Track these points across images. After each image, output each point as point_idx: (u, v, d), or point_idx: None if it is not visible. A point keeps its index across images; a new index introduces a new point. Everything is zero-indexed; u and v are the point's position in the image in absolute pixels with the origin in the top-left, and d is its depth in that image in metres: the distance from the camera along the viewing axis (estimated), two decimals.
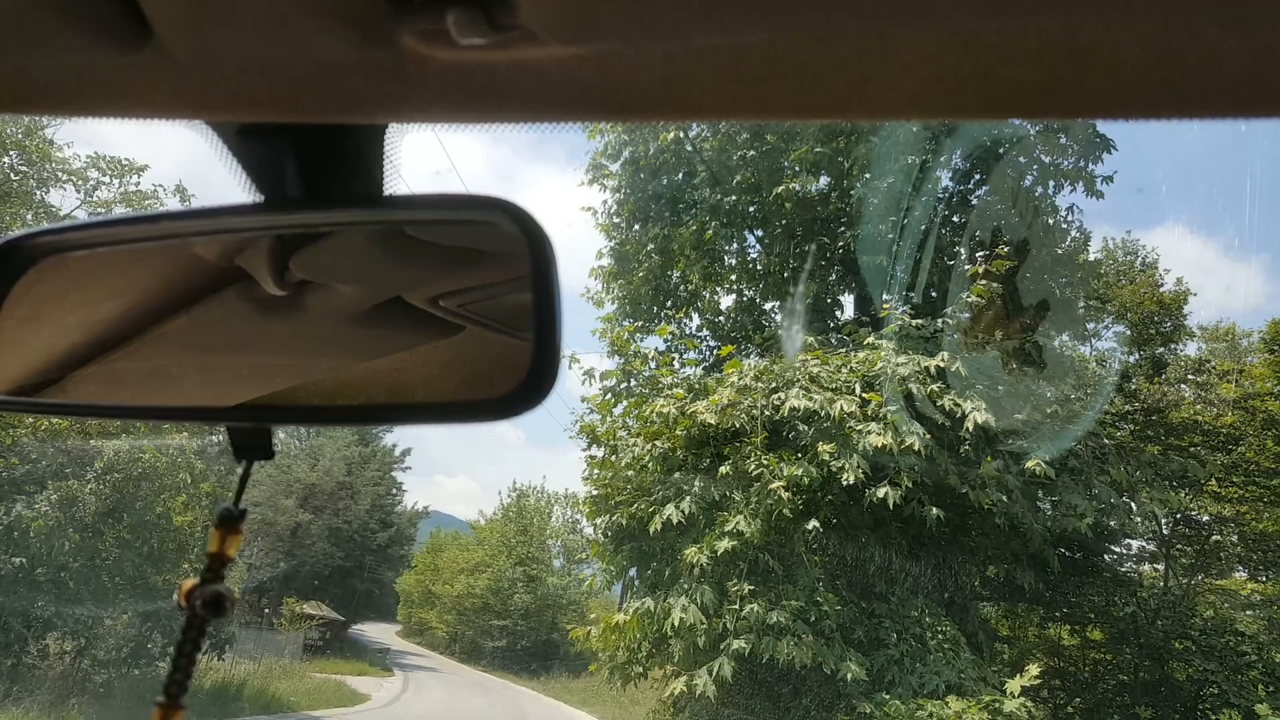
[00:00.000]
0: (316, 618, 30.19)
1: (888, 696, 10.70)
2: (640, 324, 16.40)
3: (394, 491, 38.73)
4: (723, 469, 11.11)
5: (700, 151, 16.11)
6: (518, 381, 0.78)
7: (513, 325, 0.88)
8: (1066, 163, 14.53)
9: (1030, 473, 10.52)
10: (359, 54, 0.52)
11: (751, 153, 14.85)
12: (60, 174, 15.69)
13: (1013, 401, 11.20)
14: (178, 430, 15.28)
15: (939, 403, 10.29)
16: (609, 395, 13.62)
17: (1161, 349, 15.63)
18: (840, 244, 14.80)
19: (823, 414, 10.39)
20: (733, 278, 16.81)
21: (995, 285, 11.33)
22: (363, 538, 34.93)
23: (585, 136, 17.14)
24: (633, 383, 13.51)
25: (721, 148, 15.48)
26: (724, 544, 10.50)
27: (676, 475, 11.60)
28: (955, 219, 14.54)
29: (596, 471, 12.90)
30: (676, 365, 14.55)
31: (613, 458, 12.63)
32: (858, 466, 10.15)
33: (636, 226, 16.88)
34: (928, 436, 9.99)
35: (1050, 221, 14.38)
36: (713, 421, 11.00)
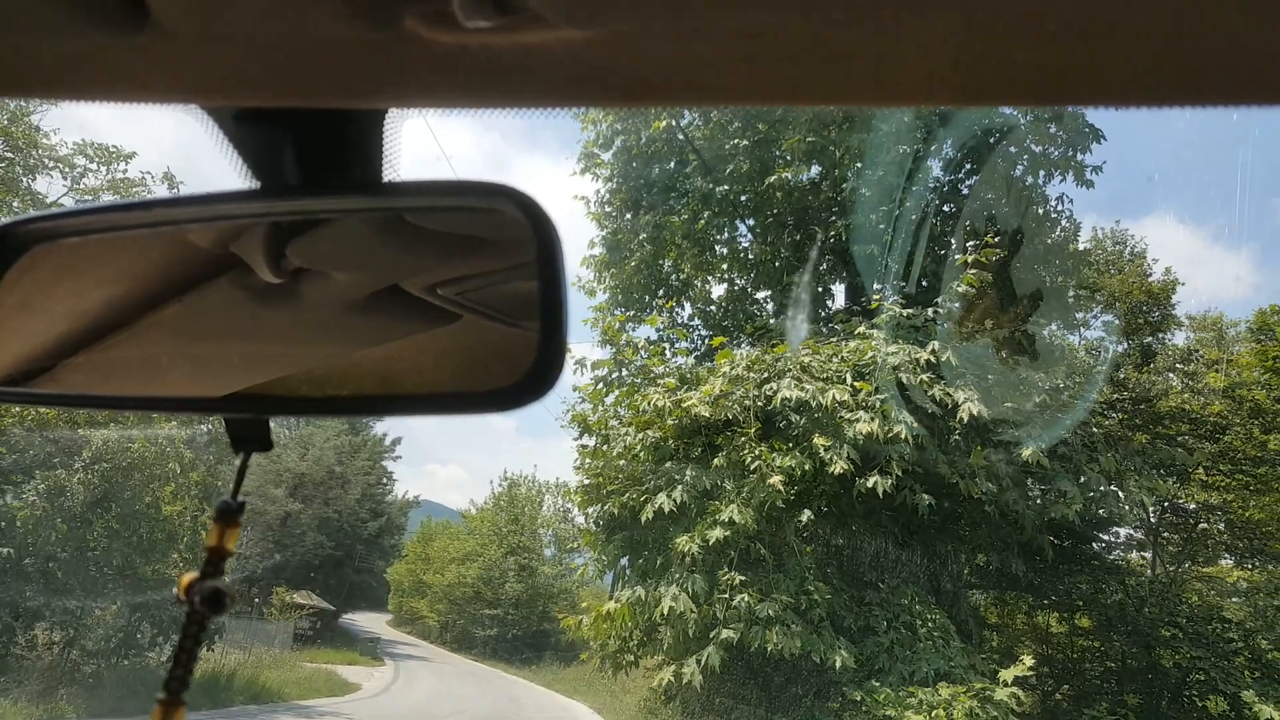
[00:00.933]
0: (307, 607, 30.17)
1: (877, 684, 10.77)
2: (632, 313, 16.39)
3: (384, 481, 38.69)
4: (715, 460, 11.13)
5: (692, 140, 16.07)
6: (521, 372, 0.77)
7: (513, 314, 0.87)
8: (1056, 152, 14.57)
9: (1022, 461, 10.58)
10: (362, 36, 0.51)
11: (744, 142, 14.82)
12: (47, 160, 15.56)
13: (1003, 391, 11.24)
14: (166, 419, 15.22)
15: (930, 392, 10.32)
16: (600, 385, 13.62)
17: (1150, 338, 15.72)
18: (832, 233, 14.81)
19: (814, 404, 10.41)
20: (724, 267, 16.81)
21: (986, 275, 11.36)
22: (353, 527, 34.88)
23: (578, 126, 17.11)
24: (624, 372, 13.51)
25: (713, 136, 15.44)
26: (715, 533, 10.52)
27: (668, 465, 11.61)
28: (947, 209, 14.57)
29: (588, 461, 12.91)
30: (668, 355, 14.55)
31: (604, 447, 12.64)
32: (847, 456, 10.18)
33: (628, 215, 16.85)
34: (917, 425, 10.02)
35: (1041, 211, 14.43)
36: (705, 412, 11.01)
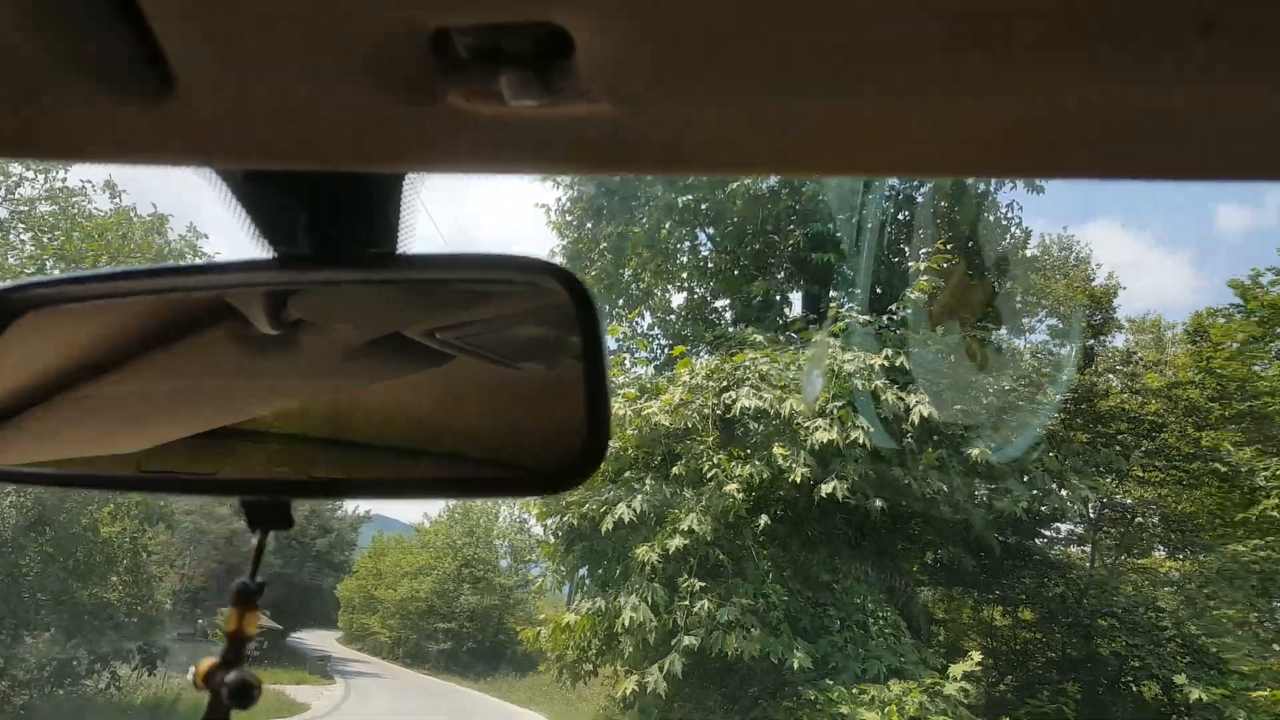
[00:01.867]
0: None
1: (831, 683, 10.94)
2: None
3: None
4: (675, 469, 11.21)
5: None
6: (561, 454, 0.76)
7: (546, 391, 0.86)
8: None
9: (972, 461, 10.88)
10: (396, 108, 0.50)
11: None
12: None
13: (954, 394, 11.54)
14: None
15: (884, 397, 10.55)
16: None
17: (1092, 341, 16.30)
18: (791, 241, 15.02)
19: (772, 412, 10.56)
20: (684, 275, 16.91)
21: (939, 281, 11.65)
22: (301, 544, 34.12)
23: None
24: None
25: None
26: (675, 541, 10.60)
27: (628, 474, 11.65)
28: (902, 216, 14.89)
29: None
30: (628, 365, 14.60)
31: None
32: (805, 463, 10.35)
33: (589, 225, 16.83)
34: (873, 430, 10.24)
35: (992, 218, 14.83)
36: (665, 421, 11.09)
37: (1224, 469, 12.41)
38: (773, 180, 14.95)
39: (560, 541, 12.81)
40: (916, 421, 10.37)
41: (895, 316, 11.95)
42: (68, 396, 0.89)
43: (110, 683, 16.02)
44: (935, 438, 11.22)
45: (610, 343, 15.83)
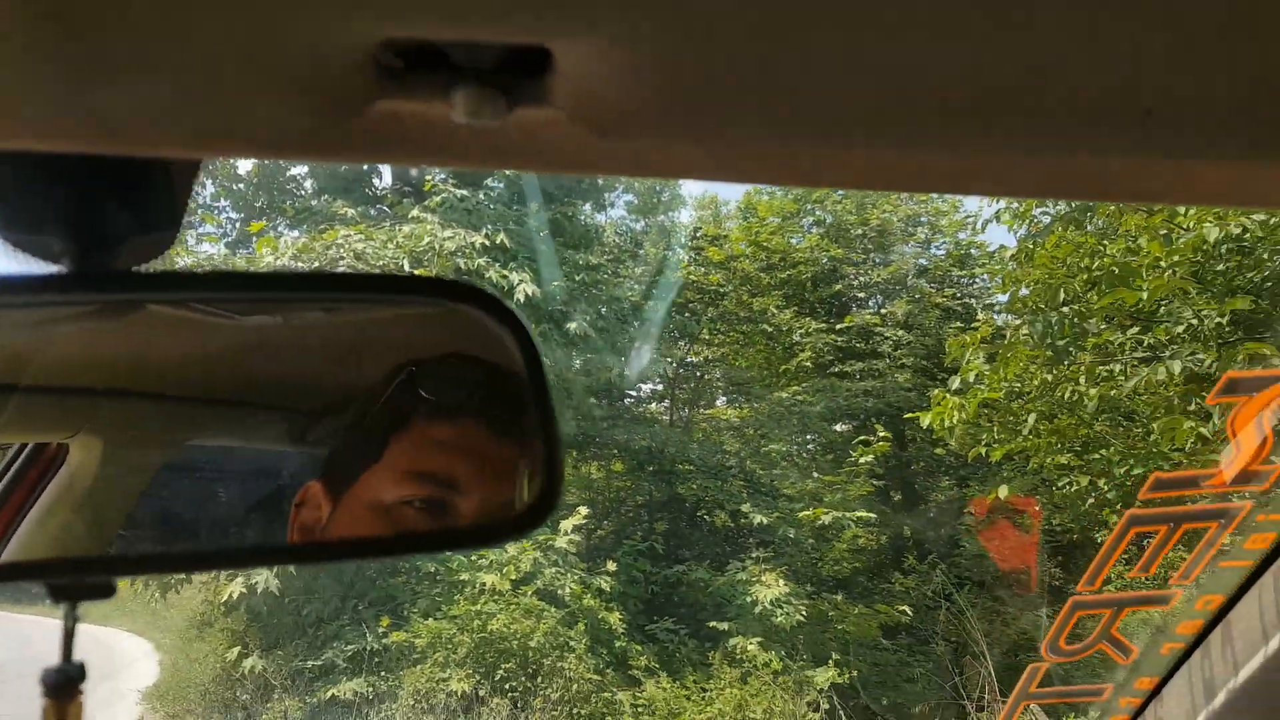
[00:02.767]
0: None
1: (449, 554, 11.25)
2: None
3: None
4: None
5: None
6: (520, 492, 0.75)
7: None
8: None
9: (571, 335, 11.52)
10: (321, 117, 0.43)
11: None
12: None
13: (550, 271, 12.00)
14: None
15: (488, 276, 10.64)
16: None
17: (662, 217, 17.84)
18: None
19: None
20: None
21: None
22: None
23: None
24: None
25: None
26: None
27: None
28: None
29: None
30: (192, 242, 12.96)
31: None
32: None
33: None
34: None
35: None
36: None
37: (770, 329, 14.59)
38: None
39: None
40: (522, 300, 10.65)
41: (491, 192, 11.98)
42: None
43: None
44: (539, 314, 11.66)
45: None
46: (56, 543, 0.90)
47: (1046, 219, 11.04)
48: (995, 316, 10.68)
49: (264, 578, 9.90)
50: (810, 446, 13.31)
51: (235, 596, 9.40)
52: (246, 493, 0.92)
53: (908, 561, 10.94)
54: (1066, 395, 8.41)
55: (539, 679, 8.77)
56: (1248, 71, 0.45)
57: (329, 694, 8.48)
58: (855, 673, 8.78)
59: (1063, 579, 10.91)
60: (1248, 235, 7.89)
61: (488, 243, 10.89)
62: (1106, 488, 8.37)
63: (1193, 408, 7.53)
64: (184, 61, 0.40)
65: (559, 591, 9.56)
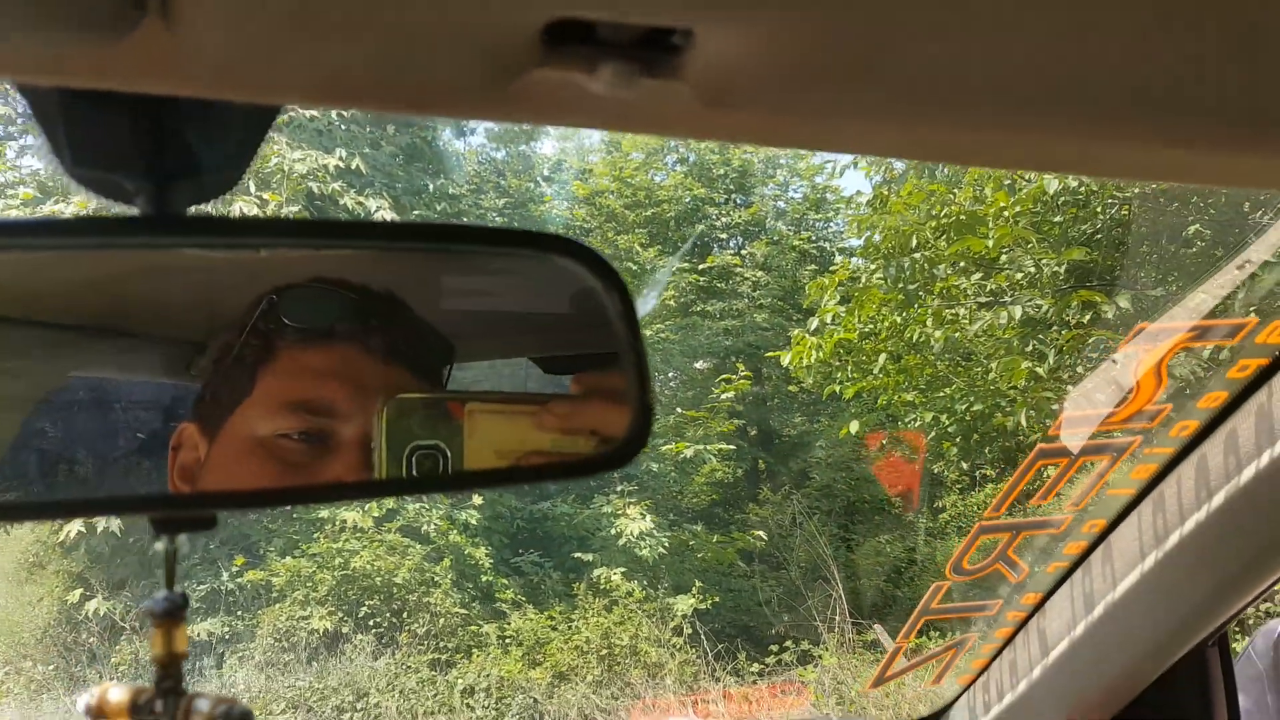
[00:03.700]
0: None
1: None
2: None
3: None
4: None
5: None
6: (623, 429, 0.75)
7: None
8: None
9: None
10: (485, 81, 0.46)
11: None
12: None
13: (411, 199, 11.53)
14: None
15: (343, 201, 10.10)
16: None
17: (524, 147, 17.40)
18: None
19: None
20: None
21: None
22: None
23: None
24: None
25: None
26: None
27: None
28: None
29: None
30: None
31: None
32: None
33: None
34: None
35: None
36: None
37: (634, 267, 14.65)
38: None
39: None
40: None
41: (345, 113, 11.31)
42: None
43: None
44: None
45: None
46: None
47: (900, 167, 11.53)
48: (851, 261, 11.13)
49: (105, 517, 9.22)
50: (673, 383, 13.58)
51: (73, 536, 8.74)
52: (131, 432, 0.87)
53: (763, 493, 11.44)
54: (915, 337, 8.92)
55: (404, 615, 8.68)
56: None
57: None
58: (716, 599, 9.18)
59: (901, 507, 11.74)
60: (1083, 189, 8.54)
61: (342, 165, 10.31)
62: (948, 423, 8.98)
63: (1030, 349, 8.16)
64: (373, 21, 0.42)
65: (423, 528, 9.43)
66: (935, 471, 10.69)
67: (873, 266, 9.88)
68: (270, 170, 10.08)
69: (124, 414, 0.85)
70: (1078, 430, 2.02)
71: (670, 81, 0.45)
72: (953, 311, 8.97)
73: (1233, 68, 0.48)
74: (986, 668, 1.89)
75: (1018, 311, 7.97)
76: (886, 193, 11.14)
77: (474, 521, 9.90)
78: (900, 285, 9.40)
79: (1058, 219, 8.80)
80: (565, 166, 15.76)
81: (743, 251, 14.44)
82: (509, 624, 8.87)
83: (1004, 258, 8.75)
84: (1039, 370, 7.86)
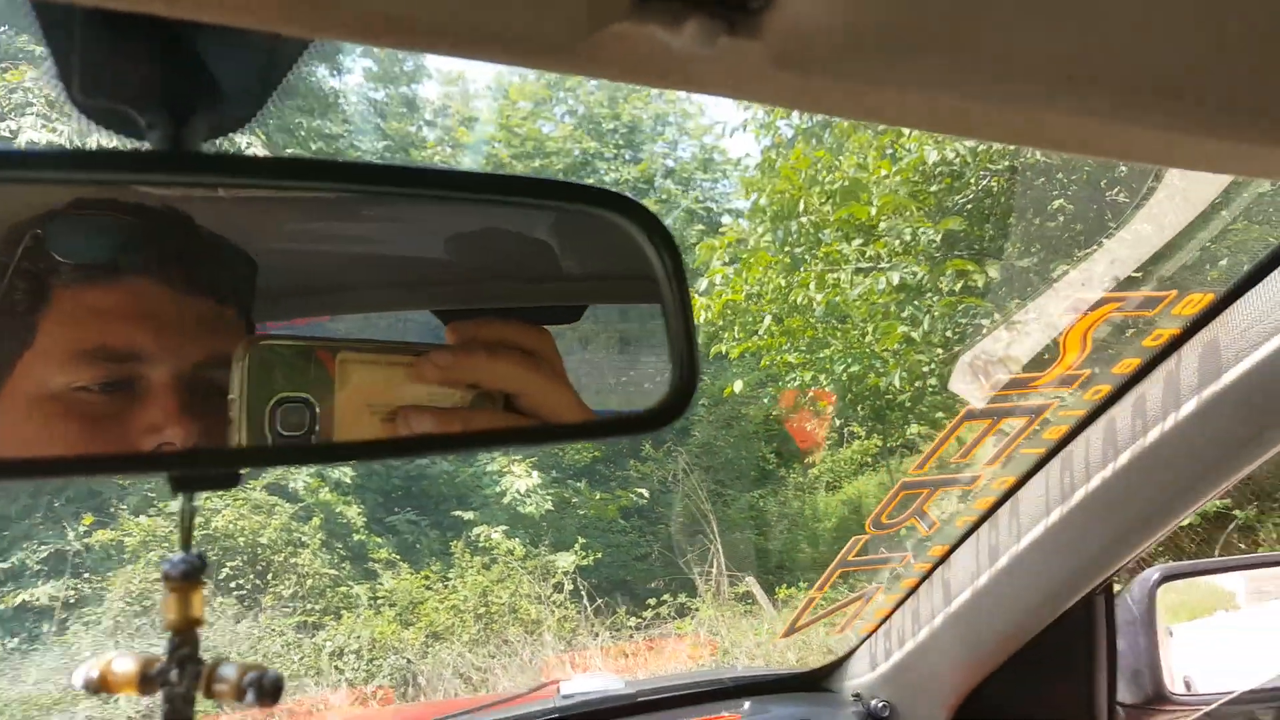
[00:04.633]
0: None
1: None
2: None
3: None
4: None
5: None
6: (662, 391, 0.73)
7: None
8: None
9: None
10: (567, 32, 0.43)
11: None
12: None
13: (283, 137, 10.87)
14: None
15: None
16: None
17: (405, 89, 16.67)
18: None
19: None
20: None
21: None
22: None
23: None
24: None
25: None
26: None
27: None
28: None
29: None
30: None
31: None
32: None
33: None
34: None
35: None
36: None
37: None
38: None
39: None
40: None
41: None
42: None
43: None
44: None
45: None
46: None
47: (790, 132, 11.64)
48: (741, 222, 11.23)
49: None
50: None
51: None
52: None
53: (645, 450, 11.53)
54: (798, 299, 9.09)
55: (269, 576, 8.34)
56: None
57: (18, 599, 7.57)
58: (599, 555, 9.22)
59: (776, 463, 12.08)
60: (958, 159, 8.83)
61: None
62: (826, 383, 9.23)
63: (905, 314, 8.43)
64: None
65: (291, 486, 9.05)
66: (808, 429, 11.02)
67: (760, 229, 9.97)
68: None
69: None
70: (1009, 392, 2.09)
71: (747, 40, 0.44)
72: (834, 276, 9.16)
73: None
74: (889, 616, 1.96)
75: (895, 277, 8.20)
76: (775, 157, 11.26)
77: (347, 479, 9.58)
78: (787, 248, 9.54)
79: (933, 188, 9.08)
80: (449, 112, 15.20)
81: None
82: (381, 584, 8.66)
83: (884, 225, 8.97)
84: (913, 335, 8.15)
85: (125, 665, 0.62)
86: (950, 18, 0.43)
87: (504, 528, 9.40)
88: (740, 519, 10.67)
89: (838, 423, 11.10)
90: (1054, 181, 9.30)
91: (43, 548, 8.00)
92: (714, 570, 9.02)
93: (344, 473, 9.59)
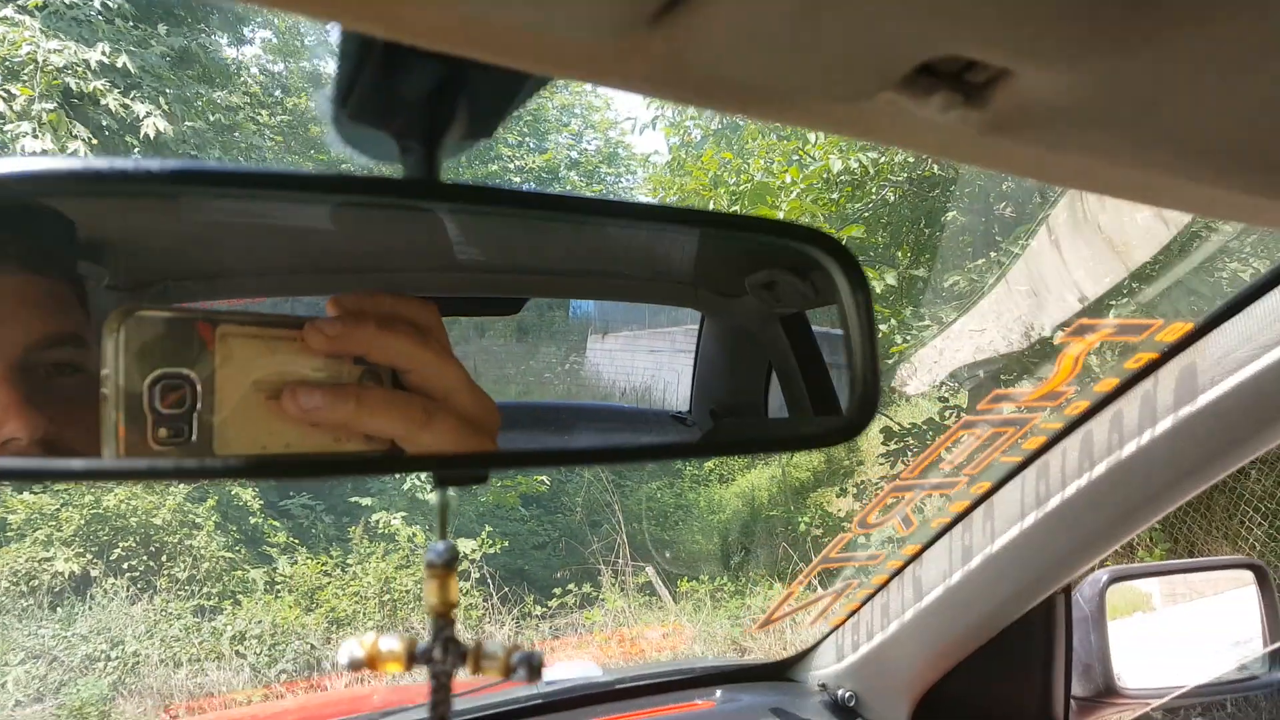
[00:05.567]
0: None
1: None
2: None
3: None
4: None
5: None
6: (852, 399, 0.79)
7: None
8: None
9: None
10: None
11: None
12: None
13: (181, 107, 10.42)
14: None
15: (106, 102, 8.97)
16: None
17: (306, 63, 16.18)
18: None
19: None
20: None
21: None
22: None
23: None
24: None
25: None
26: None
27: None
28: None
29: None
30: None
31: None
32: None
33: None
34: (95, 143, 8.71)
35: None
36: None
37: None
38: None
39: None
40: (151, 136, 9.14)
41: (111, 6, 10.00)
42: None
43: None
44: (169, 156, 10.11)
45: None
46: None
47: (699, 134, 11.94)
48: None
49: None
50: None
51: None
52: None
53: None
54: None
55: (164, 558, 8.07)
56: None
57: None
58: (505, 543, 9.28)
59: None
60: (859, 169, 9.28)
61: (106, 62, 9.14)
62: None
63: None
64: None
65: None
66: None
67: None
68: (21, 60, 8.74)
69: None
70: (999, 405, 2.11)
71: (969, 110, 0.46)
72: None
73: None
74: (857, 611, 2.04)
75: None
76: (684, 156, 11.53)
77: None
78: None
79: (834, 195, 9.51)
80: None
81: None
82: (278, 570, 8.50)
83: None
84: None
85: (393, 644, 0.65)
86: (1149, 94, 0.46)
87: (403, 514, 9.35)
88: (639, 509, 10.90)
89: None
90: (948, 194, 9.86)
91: None
92: (619, 559, 9.23)
93: None
